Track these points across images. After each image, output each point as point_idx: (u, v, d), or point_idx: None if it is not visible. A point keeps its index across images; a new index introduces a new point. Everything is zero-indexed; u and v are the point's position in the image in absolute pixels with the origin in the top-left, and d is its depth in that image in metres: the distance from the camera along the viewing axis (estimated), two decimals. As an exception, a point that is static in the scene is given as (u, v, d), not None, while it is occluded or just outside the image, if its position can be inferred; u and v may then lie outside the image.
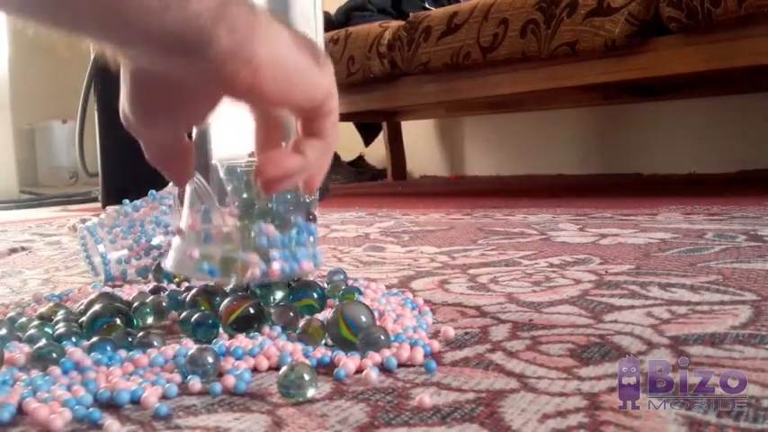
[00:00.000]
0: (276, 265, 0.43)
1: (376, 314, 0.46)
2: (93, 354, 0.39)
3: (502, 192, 1.98)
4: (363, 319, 0.41)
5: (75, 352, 0.38)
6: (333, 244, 0.91)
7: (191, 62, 0.31)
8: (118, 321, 0.44)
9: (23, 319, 0.47)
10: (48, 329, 0.44)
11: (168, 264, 0.45)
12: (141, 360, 0.38)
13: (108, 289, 0.59)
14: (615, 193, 1.74)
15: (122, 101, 0.36)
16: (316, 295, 0.48)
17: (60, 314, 0.47)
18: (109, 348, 0.40)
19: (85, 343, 0.41)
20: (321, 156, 0.38)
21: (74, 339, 0.42)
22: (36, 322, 0.46)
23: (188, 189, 0.46)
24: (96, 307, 0.45)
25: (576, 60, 1.55)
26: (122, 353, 0.40)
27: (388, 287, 0.58)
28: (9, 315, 0.50)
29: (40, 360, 0.38)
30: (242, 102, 0.36)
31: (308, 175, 0.39)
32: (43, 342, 0.40)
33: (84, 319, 0.45)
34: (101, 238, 0.66)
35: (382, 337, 0.39)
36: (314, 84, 0.35)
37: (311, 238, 0.47)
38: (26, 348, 0.41)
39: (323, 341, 0.42)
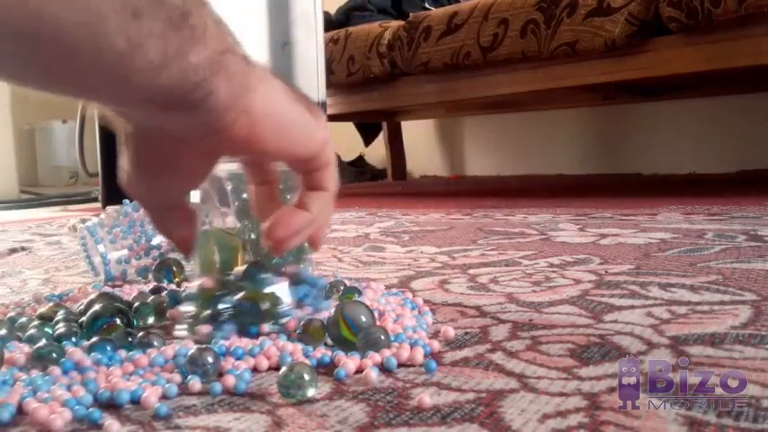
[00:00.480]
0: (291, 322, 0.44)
1: (376, 314, 0.46)
2: (92, 354, 0.39)
3: (502, 192, 1.98)
4: (363, 318, 0.41)
5: (75, 352, 0.38)
6: (333, 244, 0.91)
7: (189, 116, 0.30)
8: (118, 321, 0.44)
9: (23, 319, 0.47)
10: (48, 329, 0.44)
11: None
12: (141, 360, 0.38)
13: (108, 289, 0.59)
14: (615, 193, 1.74)
15: (123, 165, 0.36)
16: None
17: (60, 314, 0.47)
18: (109, 348, 0.40)
19: (85, 343, 0.41)
20: (325, 208, 0.39)
21: (74, 339, 0.42)
22: (36, 322, 0.46)
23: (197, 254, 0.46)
24: (96, 307, 0.45)
25: (575, 60, 1.55)
26: (122, 353, 0.40)
27: (387, 287, 0.58)
28: (9, 315, 0.50)
29: (40, 360, 0.38)
30: (240, 155, 0.36)
31: (314, 230, 0.39)
32: (43, 342, 0.40)
33: (83, 318, 0.45)
34: (101, 238, 0.66)
35: (382, 337, 0.39)
36: (310, 134, 0.35)
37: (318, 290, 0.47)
38: (26, 348, 0.41)
39: (323, 341, 0.42)
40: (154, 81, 0.28)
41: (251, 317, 0.43)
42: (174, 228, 0.39)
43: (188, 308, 0.45)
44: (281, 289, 0.45)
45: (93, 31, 0.25)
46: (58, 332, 0.43)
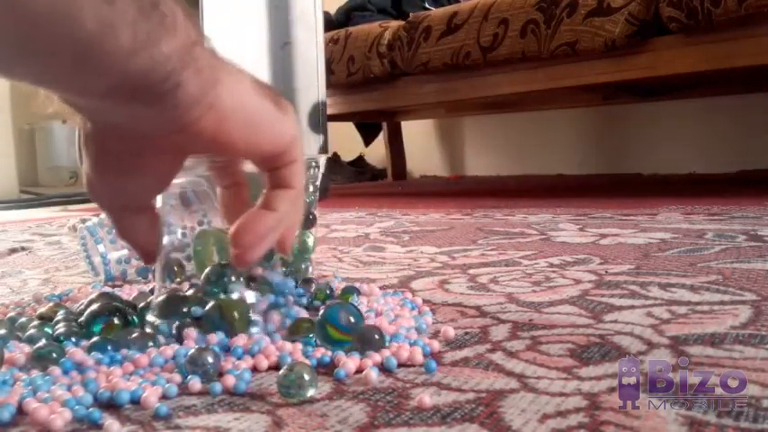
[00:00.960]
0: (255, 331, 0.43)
1: (373, 314, 0.46)
2: (93, 353, 0.39)
3: (502, 192, 1.98)
4: (350, 318, 0.40)
5: (75, 352, 0.38)
6: (333, 244, 0.91)
7: (154, 110, 0.30)
8: (116, 320, 0.44)
9: (23, 319, 0.47)
10: (47, 329, 0.44)
11: None
12: (141, 360, 0.38)
13: (107, 289, 0.59)
14: (615, 193, 1.74)
15: (86, 171, 0.35)
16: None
17: (60, 314, 0.47)
18: (109, 348, 0.40)
19: (85, 343, 0.41)
20: (293, 206, 0.37)
21: (74, 339, 0.42)
22: (36, 322, 0.46)
23: (158, 266, 0.45)
24: (94, 306, 0.45)
25: (575, 60, 1.55)
26: (124, 352, 0.40)
27: (386, 287, 0.58)
28: (9, 315, 0.49)
29: (40, 360, 0.38)
30: (207, 152, 0.35)
31: (282, 232, 0.38)
32: (43, 342, 0.40)
33: (83, 318, 0.45)
34: (101, 238, 0.66)
35: (377, 337, 0.39)
36: (279, 129, 0.35)
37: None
38: (26, 348, 0.41)
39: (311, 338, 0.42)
40: (123, 67, 0.27)
41: (219, 327, 0.42)
42: (136, 233, 0.38)
43: (152, 318, 0.44)
44: (249, 296, 0.43)
45: (65, 11, 0.25)
46: (57, 332, 0.43)
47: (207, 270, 0.44)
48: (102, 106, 0.31)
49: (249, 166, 0.38)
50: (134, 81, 0.28)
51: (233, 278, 0.43)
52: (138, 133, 0.32)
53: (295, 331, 0.42)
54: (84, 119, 0.33)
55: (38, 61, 0.27)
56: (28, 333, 0.43)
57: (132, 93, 0.29)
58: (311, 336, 0.41)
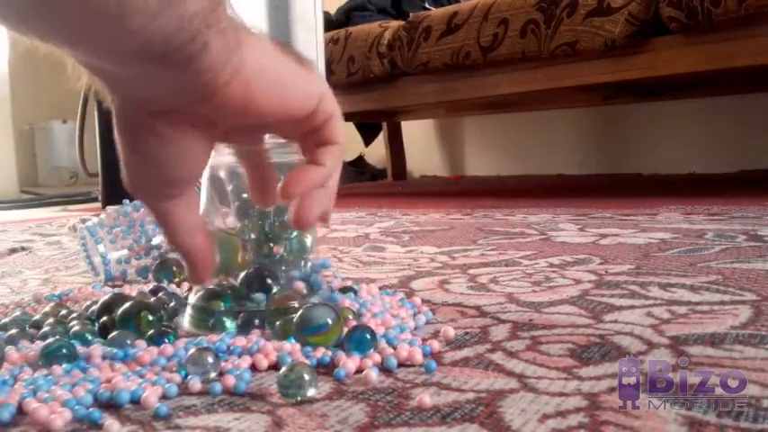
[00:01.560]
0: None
1: (367, 312, 0.46)
2: (110, 348, 0.40)
3: (502, 192, 1.98)
4: (319, 320, 0.41)
5: (94, 349, 0.39)
6: (333, 244, 0.91)
7: (183, 76, 0.29)
8: (150, 317, 0.44)
9: (37, 317, 0.47)
10: (60, 328, 0.44)
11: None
12: (144, 357, 0.38)
13: (107, 289, 0.59)
14: (615, 193, 1.74)
15: (120, 155, 0.34)
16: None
17: (73, 313, 0.47)
18: (129, 342, 0.41)
19: (112, 334, 0.42)
20: (338, 161, 0.37)
21: (89, 337, 0.43)
22: (50, 320, 0.46)
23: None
24: (127, 304, 0.45)
25: (575, 60, 1.55)
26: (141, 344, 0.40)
27: (385, 287, 0.58)
28: (16, 315, 0.50)
29: (50, 358, 0.38)
30: (237, 122, 0.34)
31: (330, 191, 0.37)
32: (54, 339, 0.40)
33: (114, 315, 0.45)
34: (101, 238, 0.66)
35: (368, 337, 0.39)
36: (306, 88, 0.34)
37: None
38: (37, 347, 0.41)
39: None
40: (150, 25, 0.27)
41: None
42: (180, 231, 0.36)
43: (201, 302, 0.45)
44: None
45: None
46: (72, 330, 0.43)
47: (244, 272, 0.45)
48: (130, 72, 0.30)
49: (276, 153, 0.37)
50: (162, 41, 0.28)
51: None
52: (168, 106, 0.32)
53: (282, 333, 0.42)
54: (114, 96, 0.33)
55: (61, 14, 0.26)
56: (42, 331, 0.44)
57: (160, 55, 0.28)
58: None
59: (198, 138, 0.34)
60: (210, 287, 0.45)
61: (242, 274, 0.45)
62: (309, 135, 0.36)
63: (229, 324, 0.44)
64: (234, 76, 0.30)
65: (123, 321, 0.43)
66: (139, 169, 0.34)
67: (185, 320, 0.46)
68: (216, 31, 0.29)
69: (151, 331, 0.42)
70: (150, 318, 0.44)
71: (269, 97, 0.32)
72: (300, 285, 0.45)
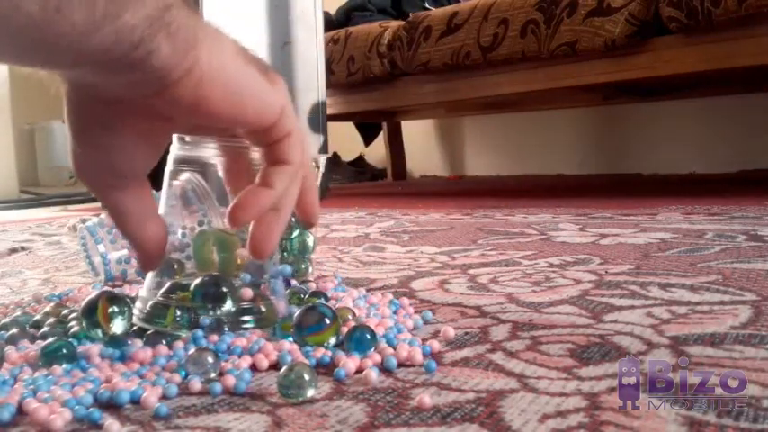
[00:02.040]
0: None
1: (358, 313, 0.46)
2: (109, 349, 0.40)
3: (502, 192, 1.98)
4: (317, 318, 0.40)
5: (91, 348, 0.39)
6: (333, 244, 0.91)
7: (129, 77, 0.29)
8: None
9: (38, 317, 0.47)
10: (60, 328, 0.44)
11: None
12: (144, 355, 0.39)
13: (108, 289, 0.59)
14: (615, 193, 1.74)
15: (69, 140, 0.33)
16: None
17: (74, 313, 0.47)
18: (129, 342, 0.41)
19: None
20: (291, 183, 0.36)
21: (90, 338, 0.43)
22: (51, 320, 0.46)
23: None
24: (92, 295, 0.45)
25: (575, 60, 1.55)
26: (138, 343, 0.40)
27: (385, 287, 0.58)
28: (17, 315, 0.50)
29: (50, 358, 0.38)
30: (189, 119, 0.33)
31: (302, 204, 0.37)
32: (54, 339, 0.40)
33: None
34: (101, 238, 0.66)
35: (368, 337, 0.40)
36: (265, 100, 0.33)
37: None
38: (37, 347, 0.41)
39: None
40: (84, 44, 0.26)
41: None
42: (129, 221, 0.35)
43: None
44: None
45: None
46: (72, 330, 0.43)
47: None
48: (77, 72, 0.30)
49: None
50: (100, 54, 0.27)
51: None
52: (116, 97, 0.31)
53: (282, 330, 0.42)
54: (64, 82, 0.32)
55: None
56: (42, 331, 0.44)
57: (102, 64, 0.28)
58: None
59: (148, 131, 0.33)
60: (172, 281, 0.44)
61: (194, 283, 0.43)
62: (267, 149, 0.35)
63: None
64: (185, 75, 0.29)
65: (87, 312, 0.42)
66: (86, 158, 0.34)
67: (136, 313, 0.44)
68: (164, 36, 0.28)
69: (116, 326, 0.42)
70: (112, 309, 0.42)
71: (222, 99, 0.31)
72: (249, 293, 0.44)
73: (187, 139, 0.43)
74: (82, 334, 0.43)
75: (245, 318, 0.43)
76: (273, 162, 0.35)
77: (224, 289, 0.42)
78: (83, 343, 0.42)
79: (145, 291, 0.44)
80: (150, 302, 0.43)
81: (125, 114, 0.32)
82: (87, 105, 0.32)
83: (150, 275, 0.44)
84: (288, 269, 0.51)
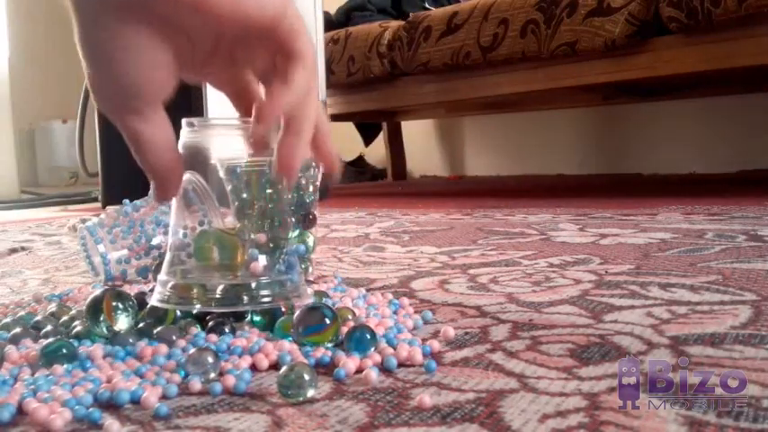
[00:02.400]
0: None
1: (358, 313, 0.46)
2: (113, 347, 0.40)
3: (502, 192, 1.98)
4: (317, 319, 0.41)
5: (92, 348, 0.39)
6: (333, 244, 0.91)
7: None
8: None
9: (39, 317, 0.47)
10: (61, 328, 0.44)
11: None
12: (145, 352, 0.39)
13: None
14: (615, 193, 1.74)
15: (85, 68, 0.33)
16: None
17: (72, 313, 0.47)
18: (131, 340, 0.41)
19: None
20: (309, 76, 0.36)
21: (92, 338, 0.43)
22: (52, 320, 0.46)
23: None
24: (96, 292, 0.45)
25: (575, 60, 1.55)
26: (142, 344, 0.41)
27: (385, 287, 0.58)
28: (20, 314, 0.50)
29: (50, 358, 0.38)
30: (193, 21, 0.33)
31: (318, 144, 0.37)
32: (55, 339, 0.40)
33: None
34: (101, 238, 0.66)
35: (368, 337, 0.40)
36: None
37: (301, 268, 0.46)
38: (38, 347, 0.41)
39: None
40: None
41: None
42: (146, 147, 0.35)
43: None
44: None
45: None
46: (75, 330, 0.43)
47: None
48: None
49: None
50: None
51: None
52: (121, 6, 0.31)
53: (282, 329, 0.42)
54: (73, 3, 0.32)
55: None
56: (44, 331, 0.44)
57: None
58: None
59: (161, 48, 0.33)
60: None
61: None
62: (277, 52, 0.35)
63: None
64: None
65: (91, 309, 0.43)
66: (102, 79, 0.34)
67: (157, 296, 0.44)
68: None
69: (121, 323, 0.42)
70: (116, 306, 0.42)
71: None
72: (258, 267, 0.44)
73: (195, 122, 0.43)
74: (88, 334, 0.43)
75: (264, 292, 0.43)
76: (286, 58, 0.36)
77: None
78: (83, 343, 0.42)
79: (164, 274, 0.44)
80: (170, 284, 0.43)
81: (137, 25, 0.32)
82: (100, 22, 0.32)
83: (168, 258, 0.45)
84: (302, 248, 0.52)
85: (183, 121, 0.43)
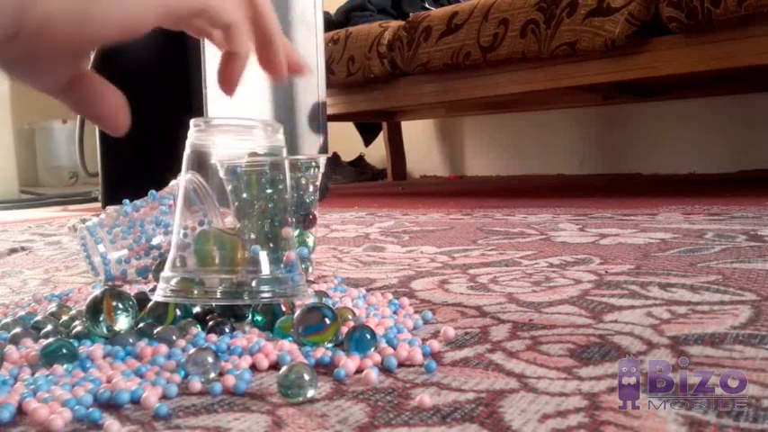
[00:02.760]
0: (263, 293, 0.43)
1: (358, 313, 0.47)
2: (113, 347, 0.40)
3: (502, 192, 1.98)
4: (317, 319, 0.41)
5: (92, 348, 0.39)
6: (333, 244, 0.91)
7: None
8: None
9: (39, 317, 0.47)
10: (61, 328, 0.44)
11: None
12: (145, 352, 0.39)
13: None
14: (615, 193, 1.74)
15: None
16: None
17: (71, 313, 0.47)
18: (131, 340, 0.41)
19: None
20: (243, 40, 0.35)
21: (92, 338, 0.43)
22: (52, 320, 0.46)
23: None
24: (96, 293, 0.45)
25: (575, 60, 1.55)
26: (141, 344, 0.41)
27: (385, 287, 0.58)
28: (21, 314, 0.50)
29: (50, 358, 0.38)
30: (65, 52, 0.31)
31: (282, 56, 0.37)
32: (55, 339, 0.40)
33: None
34: (101, 238, 0.66)
35: (368, 337, 0.40)
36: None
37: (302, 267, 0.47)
38: (38, 347, 0.41)
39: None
40: None
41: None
42: (86, 103, 0.35)
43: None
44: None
45: None
46: (75, 330, 0.43)
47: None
48: None
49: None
50: None
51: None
52: None
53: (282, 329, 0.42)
54: None
55: None
56: (44, 331, 0.44)
57: None
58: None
59: (48, 62, 0.32)
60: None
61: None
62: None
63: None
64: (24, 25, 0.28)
65: (91, 309, 0.43)
66: (22, 81, 0.33)
67: (161, 292, 0.44)
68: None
69: (121, 323, 0.42)
70: (116, 306, 0.42)
71: (69, 17, 0.29)
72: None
73: (202, 123, 0.44)
74: (88, 334, 0.43)
75: (264, 288, 0.43)
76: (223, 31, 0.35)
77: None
78: (83, 343, 0.42)
79: (168, 270, 0.45)
80: (175, 279, 0.44)
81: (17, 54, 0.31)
82: None
83: (170, 256, 0.45)
84: (305, 250, 0.52)
85: (192, 121, 0.43)
